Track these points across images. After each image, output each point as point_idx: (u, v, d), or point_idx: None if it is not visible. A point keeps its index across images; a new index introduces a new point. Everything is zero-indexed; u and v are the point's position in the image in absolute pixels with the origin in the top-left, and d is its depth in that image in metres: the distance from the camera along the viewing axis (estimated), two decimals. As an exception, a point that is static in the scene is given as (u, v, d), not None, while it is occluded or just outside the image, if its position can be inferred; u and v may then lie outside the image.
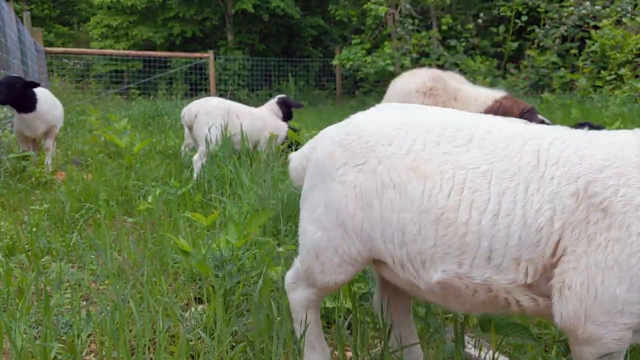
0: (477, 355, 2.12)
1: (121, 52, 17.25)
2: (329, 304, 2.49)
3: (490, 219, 1.56)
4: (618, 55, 10.93)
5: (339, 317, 2.41)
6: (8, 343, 2.22)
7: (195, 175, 5.11)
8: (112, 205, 4.22)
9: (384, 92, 16.19)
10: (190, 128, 5.64)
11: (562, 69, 12.40)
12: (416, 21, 14.25)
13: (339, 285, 1.91)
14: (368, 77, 15.00)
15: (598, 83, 11.01)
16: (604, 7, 12.27)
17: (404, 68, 13.76)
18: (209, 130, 5.44)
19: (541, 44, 12.83)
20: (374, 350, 2.22)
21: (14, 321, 2.20)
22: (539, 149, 1.60)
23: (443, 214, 1.60)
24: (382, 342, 2.28)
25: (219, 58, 17.94)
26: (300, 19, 19.25)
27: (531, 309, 1.61)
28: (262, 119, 6.01)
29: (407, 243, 1.66)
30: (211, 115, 5.54)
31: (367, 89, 16.88)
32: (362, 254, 1.79)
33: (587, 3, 12.37)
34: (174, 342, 2.26)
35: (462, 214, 1.58)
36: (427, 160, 1.66)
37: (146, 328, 2.18)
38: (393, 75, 13.97)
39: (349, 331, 2.41)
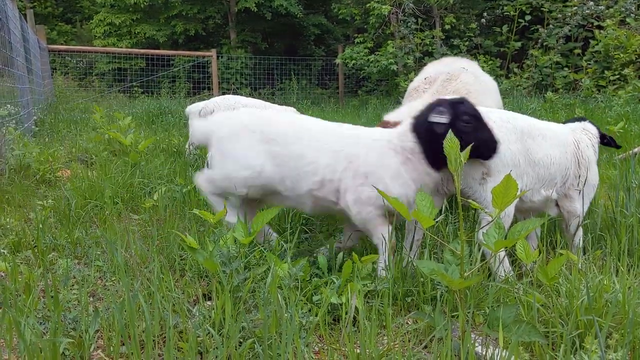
0: (483, 353, 2.13)
1: (124, 50, 17.26)
2: (334, 300, 2.50)
3: None
4: (622, 55, 10.92)
5: (346, 313, 2.42)
6: (15, 338, 2.23)
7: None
8: (117, 203, 4.23)
9: (386, 91, 16.15)
10: None
11: (566, 68, 12.40)
12: (419, 20, 14.25)
13: None
14: (371, 76, 14.99)
15: (602, 83, 11.01)
16: (607, 7, 12.26)
17: (406, 67, 13.77)
18: None
19: (544, 43, 12.83)
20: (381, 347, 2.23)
21: (22, 316, 2.21)
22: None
23: None
24: (388, 339, 2.29)
25: (222, 56, 17.94)
26: (303, 17, 19.24)
27: None
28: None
29: None
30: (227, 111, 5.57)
31: (369, 88, 16.86)
32: None
33: (591, 3, 12.35)
34: (182, 338, 2.27)
35: None
36: None
37: (155, 324, 2.19)
38: (396, 75, 14.00)
39: (356, 328, 2.41)
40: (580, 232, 3.23)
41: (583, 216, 3.21)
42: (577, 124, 3.39)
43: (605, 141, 3.38)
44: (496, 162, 2.84)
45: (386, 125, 4.02)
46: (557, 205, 3.21)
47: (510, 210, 2.91)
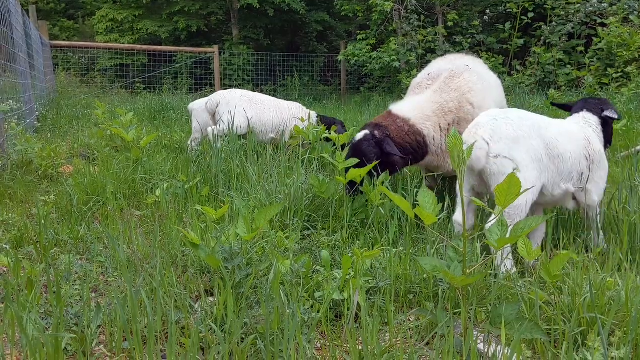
0: (486, 350, 2.13)
1: (126, 46, 17.24)
2: (336, 297, 2.49)
3: None
4: (625, 52, 10.87)
5: (348, 310, 2.42)
6: (18, 334, 2.24)
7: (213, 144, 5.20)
8: (119, 199, 4.23)
9: (388, 88, 16.09)
10: (213, 116, 5.80)
11: (568, 66, 12.35)
12: (422, 17, 14.22)
13: None
14: (373, 73, 14.96)
15: (604, 80, 10.96)
16: (610, 5, 12.21)
17: (409, 64, 13.74)
18: (216, 124, 5.49)
19: (547, 41, 12.78)
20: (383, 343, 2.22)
21: (25, 312, 2.21)
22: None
23: None
24: (390, 335, 2.29)
25: (224, 53, 17.93)
26: (305, 14, 19.20)
27: None
28: (290, 110, 6.01)
29: None
30: (232, 106, 5.62)
31: (372, 85, 16.83)
32: None
33: (594, 0, 12.30)
34: (184, 333, 2.27)
35: None
36: None
37: (157, 320, 2.19)
38: (398, 72, 13.98)
39: (358, 325, 2.41)
40: (599, 219, 3.36)
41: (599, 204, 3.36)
42: (580, 115, 3.50)
43: (605, 116, 3.48)
44: (524, 157, 2.96)
45: (391, 116, 4.03)
46: (574, 198, 3.33)
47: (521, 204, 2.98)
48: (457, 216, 3.19)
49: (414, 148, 3.96)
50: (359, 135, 3.92)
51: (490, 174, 2.99)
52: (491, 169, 2.98)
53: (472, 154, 2.88)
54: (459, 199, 3.19)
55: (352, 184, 3.74)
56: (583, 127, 3.36)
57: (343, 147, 4.19)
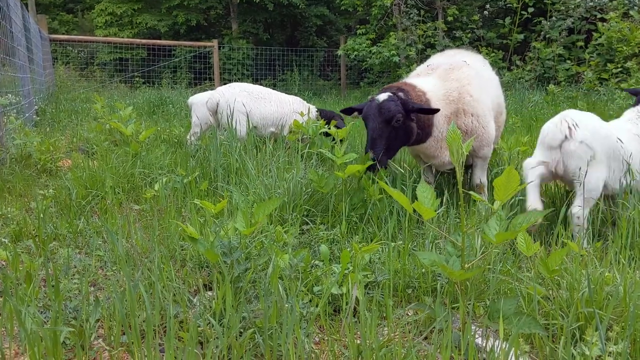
0: (484, 345, 2.13)
1: (125, 40, 17.20)
2: (335, 291, 2.50)
3: None
4: (625, 48, 10.86)
5: (346, 304, 2.42)
6: (16, 327, 2.24)
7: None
8: (118, 193, 4.23)
9: (388, 83, 16.14)
10: (214, 113, 5.81)
11: (568, 61, 12.34)
12: (422, 12, 14.19)
13: None
14: (373, 67, 14.94)
15: (604, 76, 10.95)
16: (611, 0, 12.20)
17: (409, 59, 13.72)
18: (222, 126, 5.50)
19: (547, 36, 12.77)
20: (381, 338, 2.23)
21: (23, 305, 2.21)
22: None
23: None
24: (388, 330, 2.29)
25: (223, 47, 17.89)
26: (305, 8, 19.15)
27: None
28: (291, 105, 6.00)
29: None
30: (231, 102, 5.61)
31: (371, 80, 16.80)
32: None
33: (594, -5, 12.30)
34: (182, 327, 2.27)
35: None
36: None
37: (155, 314, 2.19)
38: (398, 66, 13.95)
39: (356, 319, 2.42)
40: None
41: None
42: (637, 108, 3.88)
43: None
44: (599, 151, 3.34)
45: (408, 84, 3.99)
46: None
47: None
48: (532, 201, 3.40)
49: (425, 123, 3.91)
50: (383, 96, 3.77)
51: (572, 154, 3.31)
52: (574, 151, 3.30)
53: (552, 131, 3.39)
54: (529, 188, 3.41)
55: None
56: (636, 122, 3.75)
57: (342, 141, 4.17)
